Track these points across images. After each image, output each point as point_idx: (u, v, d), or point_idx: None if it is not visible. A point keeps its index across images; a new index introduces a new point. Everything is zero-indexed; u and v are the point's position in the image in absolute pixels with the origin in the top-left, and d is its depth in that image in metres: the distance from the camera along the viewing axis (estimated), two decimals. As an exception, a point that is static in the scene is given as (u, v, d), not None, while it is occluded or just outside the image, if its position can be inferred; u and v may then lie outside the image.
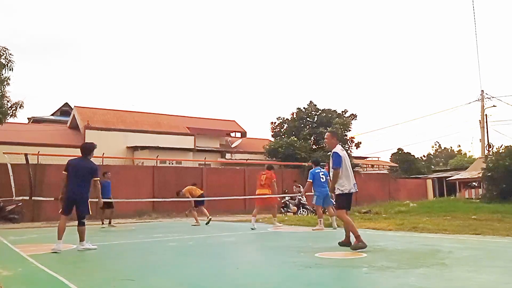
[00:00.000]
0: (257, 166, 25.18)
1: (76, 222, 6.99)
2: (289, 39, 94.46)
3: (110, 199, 12.34)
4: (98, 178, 7.24)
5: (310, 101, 28.68)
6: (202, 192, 13.49)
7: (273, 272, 4.90)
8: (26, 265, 5.59)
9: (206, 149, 27.77)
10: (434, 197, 30.84)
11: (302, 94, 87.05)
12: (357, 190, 6.73)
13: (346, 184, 6.55)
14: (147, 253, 7.01)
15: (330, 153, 6.89)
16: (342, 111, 28.45)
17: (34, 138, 22.37)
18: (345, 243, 6.58)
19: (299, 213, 16.74)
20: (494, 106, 29.63)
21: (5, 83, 15.06)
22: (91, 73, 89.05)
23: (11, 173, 11.45)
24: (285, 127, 28.71)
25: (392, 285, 4.06)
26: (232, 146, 31.77)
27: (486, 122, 28.27)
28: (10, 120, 16.46)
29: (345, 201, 6.62)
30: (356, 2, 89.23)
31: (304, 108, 28.56)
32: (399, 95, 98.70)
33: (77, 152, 7.37)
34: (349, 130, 27.68)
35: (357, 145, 27.79)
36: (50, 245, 7.17)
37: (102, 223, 12.55)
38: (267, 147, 26.36)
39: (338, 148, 6.78)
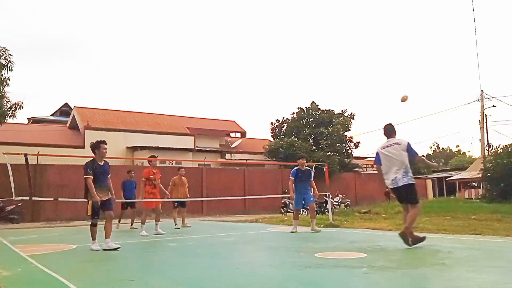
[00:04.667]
0: (257, 166, 25.27)
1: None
2: (289, 39, 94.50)
3: (132, 199, 11.39)
4: (85, 176, 6.91)
5: (312, 102, 28.72)
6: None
7: (273, 272, 4.89)
8: (26, 265, 5.58)
9: (206, 149, 27.78)
10: (434, 197, 30.85)
11: (302, 94, 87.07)
12: (396, 185, 6.57)
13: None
14: (147, 253, 7.01)
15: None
16: (342, 111, 28.50)
17: (34, 138, 22.38)
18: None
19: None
20: (493, 106, 29.62)
21: (5, 83, 15.07)
22: (91, 73, 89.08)
23: (10, 174, 11.41)
24: (285, 127, 28.73)
25: (392, 285, 4.05)
26: (232, 146, 31.78)
27: (486, 122, 28.26)
28: (10, 120, 16.47)
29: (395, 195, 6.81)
30: (356, 2, 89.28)
31: (306, 107, 28.60)
32: (399, 95, 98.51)
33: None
34: (349, 130, 27.72)
35: (356, 144, 27.82)
36: (50, 245, 7.19)
37: (119, 223, 11.60)
38: (267, 147, 26.37)
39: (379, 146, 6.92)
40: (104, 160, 7.19)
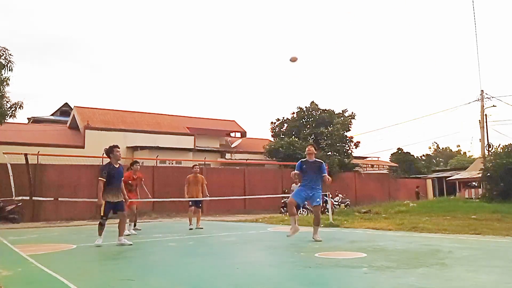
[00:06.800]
0: (257, 166, 25.27)
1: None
2: (290, 39, 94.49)
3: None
4: (99, 178, 7.43)
5: (312, 101, 28.73)
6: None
7: (273, 272, 4.89)
8: (26, 265, 5.58)
9: (206, 149, 27.77)
10: (434, 197, 30.85)
11: (302, 94, 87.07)
12: None
13: None
14: (147, 253, 7.01)
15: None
16: (342, 110, 28.51)
17: (34, 138, 22.36)
18: None
19: (299, 213, 16.74)
20: (494, 106, 29.58)
21: (5, 83, 15.07)
22: (91, 73, 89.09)
23: (11, 173, 11.42)
24: (285, 127, 28.74)
25: (392, 285, 4.05)
26: (232, 146, 31.77)
27: (486, 122, 28.22)
28: (10, 120, 16.47)
29: None
30: (356, 2, 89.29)
31: (305, 107, 28.61)
32: (399, 95, 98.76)
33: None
34: (349, 130, 27.72)
35: (356, 144, 27.82)
36: (50, 245, 7.19)
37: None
38: (267, 147, 26.38)
39: None
40: (118, 164, 7.64)
